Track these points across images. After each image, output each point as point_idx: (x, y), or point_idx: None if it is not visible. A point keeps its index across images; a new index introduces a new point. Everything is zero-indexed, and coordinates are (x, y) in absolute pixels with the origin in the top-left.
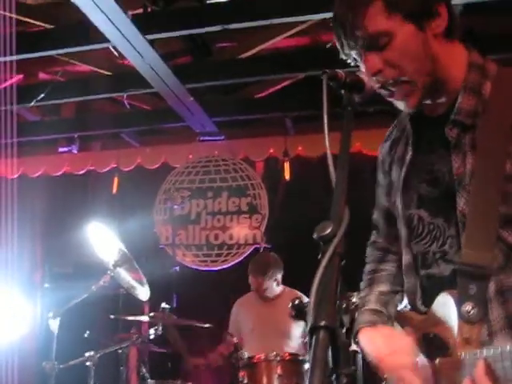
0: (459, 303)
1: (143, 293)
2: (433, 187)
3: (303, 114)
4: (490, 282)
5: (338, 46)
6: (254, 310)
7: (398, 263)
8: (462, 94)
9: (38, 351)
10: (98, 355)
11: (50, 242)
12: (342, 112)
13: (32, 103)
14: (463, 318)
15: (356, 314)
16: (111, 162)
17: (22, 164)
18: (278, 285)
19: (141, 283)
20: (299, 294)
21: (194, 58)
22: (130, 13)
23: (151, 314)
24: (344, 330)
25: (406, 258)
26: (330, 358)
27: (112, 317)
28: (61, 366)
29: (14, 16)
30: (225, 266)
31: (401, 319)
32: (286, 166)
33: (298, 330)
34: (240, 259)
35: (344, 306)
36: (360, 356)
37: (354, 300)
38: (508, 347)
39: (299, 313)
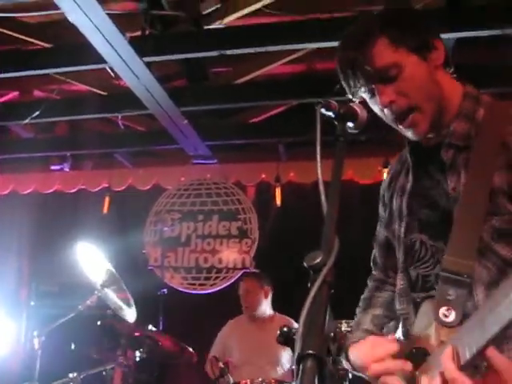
0: (437, 308)
1: (130, 314)
2: (432, 211)
3: (296, 140)
4: (476, 290)
5: (345, 86)
6: (244, 334)
7: (394, 293)
8: (457, 120)
9: (21, 371)
10: (82, 376)
11: (38, 260)
12: (334, 140)
13: (26, 120)
14: (440, 322)
15: (344, 340)
16: (103, 181)
17: (13, 181)
18: (266, 297)
19: (128, 304)
20: (290, 320)
21: (189, 82)
22: (128, 35)
23: (137, 335)
24: (331, 359)
25: (400, 284)
26: None
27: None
28: None
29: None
30: (213, 290)
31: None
32: (278, 191)
33: (286, 356)
34: (228, 283)
35: (332, 335)
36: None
37: (342, 328)
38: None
39: (287, 340)
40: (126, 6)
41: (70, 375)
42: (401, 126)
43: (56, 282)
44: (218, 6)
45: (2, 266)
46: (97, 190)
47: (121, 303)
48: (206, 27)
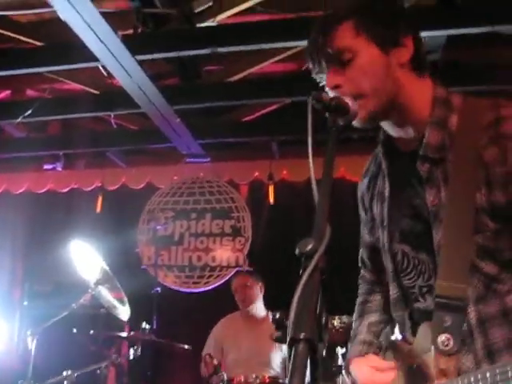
0: (435, 335)
1: (124, 312)
2: (415, 222)
3: (289, 138)
4: (467, 312)
5: (310, 66)
6: (238, 333)
7: (387, 294)
8: (429, 129)
9: (15, 370)
10: (76, 374)
11: (31, 260)
12: (326, 135)
13: (18, 119)
14: (439, 350)
15: (337, 337)
16: (96, 180)
17: (6, 180)
18: (260, 291)
19: (122, 302)
20: None
21: (182, 80)
22: (121, 33)
23: (131, 333)
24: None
25: (393, 293)
26: (308, 372)
27: (91, 332)
28: None
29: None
30: (207, 288)
31: (393, 349)
32: (271, 189)
33: (278, 357)
34: (222, 282)
35: (324, 320)
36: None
37: (335, 324)
38: (478, 375)
39: (280, 326)
40: (119, 4)
41: (64, 373)
42: None
43: (49, 281)
44: (211, 3)
45: None
46: (90, 189)
47: (115, 301)
48: (198, 25)
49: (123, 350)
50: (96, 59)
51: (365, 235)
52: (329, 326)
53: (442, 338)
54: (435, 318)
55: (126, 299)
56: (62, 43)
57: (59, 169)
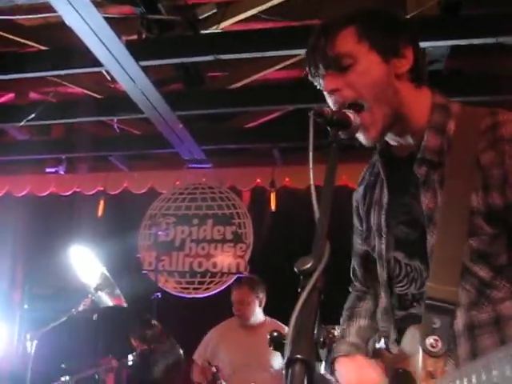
0: (423, 337)
1: None
2: (411, 229)
3: (291, 145)
4: (456, 316)
5: (308, 69)
6: (235, 339)
7: (376, 303)
8: (428, 133)
9: (13, 374)
10: (74, 380)
11: (32, 263)
12: (328, 146)
13: (22, 123)
14: (427, 352)
15: (333, 345)
16: (98, 184)
17: (8, 183)
18: (260, 305)
19: None
20: (281, 325)
21: (185, 86)
22: (125, 38)
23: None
24: (321, 364)
25: (382, 302)
26: None
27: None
28: None
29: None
30: (207, 294)
31: (378, 357)
32: (273, 196)
33: (276, 361)
34: (222, 288)
35: (322, 340)
36: None
37: (335, 334)
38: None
39: (277, 344)
40: (123, 9)
41: (63, 378)
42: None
43: (50, 285)
44: (215, 10)
45: None
46: (92, 193)
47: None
48: (202, 32)
49: (122, 355)
50: (100, 64)
51: (357, 245)
52: (329, 335)
53: (431, 340)
54: (424, 320)
55: (125, 305)
56: (66, 48)
57: (62, 172)
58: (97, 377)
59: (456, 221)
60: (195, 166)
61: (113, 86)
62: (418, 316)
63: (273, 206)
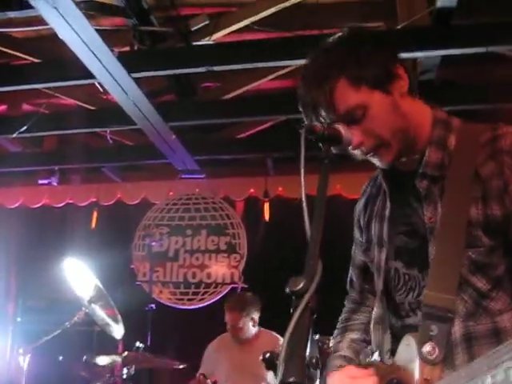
0: (420, 344)
1: (117, 330)
2: (410, 238)
3: (284, 155)
4: (453, 324)
5: (306, 118)
6: (229, 354)
7: (370, 315)
8: (429, 148)
9: None
10: None
11: (25, 275)
12: (320, 160)
13: (14, 135)
14: (424, 359)
15: (327, 361)
16: (91, 196)
17: (0, 194)
18: (254, 325)
19: (115, 320)
20: (276, 336)
21: (178, 97)
22: (117, 50)
23: (124, 355)
24: None
25: (376, 312)
26: None
27: (84, 358)
28: None
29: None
30: (202, 305)
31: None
32: (266, 206)
33: (270, 374)
34: (217, 298)
35: (314, 361)
36: None
37: (330, 345)
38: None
39: (270, 365)
40: (115, 21)
41: None
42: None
43: (43, 297)
44: (207, 22)
45: None
46: (85, 204)
47: (108, 319)
48: (194, 43)
49: (116, 368)
50: (92, 76)
51: (357, 256)
52: (324, 347)
53: (427, 347)
54: (421, 328)
55: (119, 317)
56: (58, 60)
57: (54, 184)
58: None
59: (455, 231)
60: (188, 176)
61: (105, 97)
62: (413, 326)
63: (266, 216)
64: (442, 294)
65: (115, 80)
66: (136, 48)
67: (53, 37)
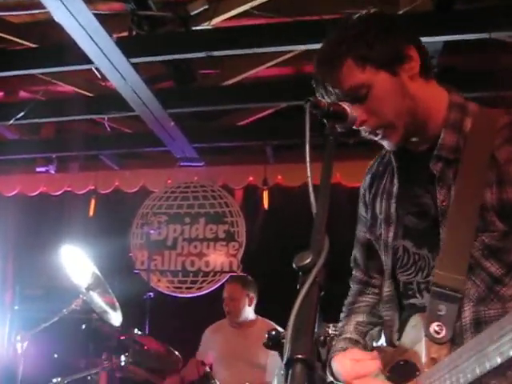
0: (428, 323)
1: (115, 318)
2: (419, 219)
3: (284, 142)
4: (464, 309)
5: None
6: (225, 337)
7: (378, 296)
8: (445, 131)
9: (3, 376)
10: (66, 381)
11: (22, 263)
12: (323, 141)
13: (11, 121)
14: (431, 338)
15: (333, 344)
16: (89, 183)
17: None
18: (250, 304)
19: (113, 308)
20: (272, 324)
21: (176, 84)
22: (115, 36)
23: (122, 338)
24: (321, 364)
25: (386, 291)
26: None
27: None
28: None
29: None
30: (200, 293)
31: (378, 351)
32: (265, 194)
33: (266, 359)
34: (215, 287)
35: (322, 338)
36: None
37: (330, 331)
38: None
39: (275, 344)
40: (113, 6)
41: (54, 380)
42: (374, 138)
43: (41, 285)
44: (206, 6)
45: None
46: (83, 192)
47: (106, 307)
48: (193, 28)
49: (114, 356)
50: (90, 61)
51: (361, 233)
52: (325, 334)
53: (435, 326)
54: (430, 307)
55: (117, 305)
56: (55, 45)
57: (52, 171)
58: (89, 378)
59: (468, 215)
60: (187, 164)
61: (103, 83)
62: (420, 307)
63: (265, 204)
64: (452, 274)
65: (113, 65)
66: (134, 33)
67: (50, 21)
